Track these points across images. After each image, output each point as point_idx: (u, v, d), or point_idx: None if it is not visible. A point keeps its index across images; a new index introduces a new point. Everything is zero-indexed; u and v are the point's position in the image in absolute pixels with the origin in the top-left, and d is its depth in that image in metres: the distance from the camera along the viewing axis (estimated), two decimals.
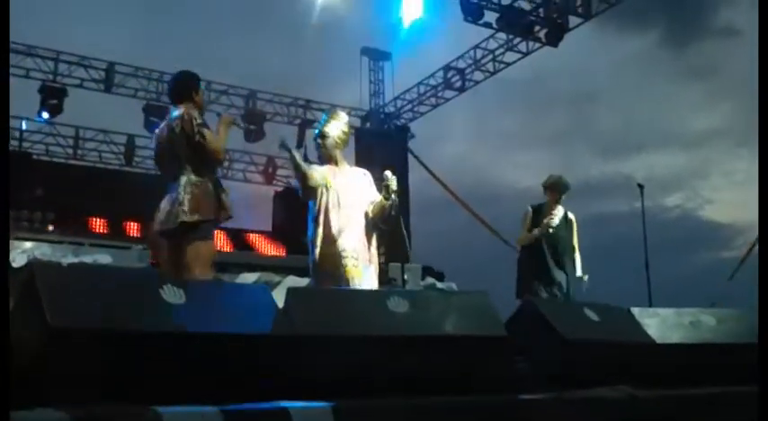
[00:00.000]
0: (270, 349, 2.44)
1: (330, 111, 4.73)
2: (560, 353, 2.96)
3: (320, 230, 4.27)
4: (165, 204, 3.89)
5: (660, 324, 3.55)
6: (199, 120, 3.90)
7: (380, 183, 4.44)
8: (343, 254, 4.22)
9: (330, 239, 4.25)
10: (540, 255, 5.75)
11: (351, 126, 4.73)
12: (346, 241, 4.25)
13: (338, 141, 4.50)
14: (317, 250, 4.25)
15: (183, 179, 3.79)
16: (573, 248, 5.91)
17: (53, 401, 2.01)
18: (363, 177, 4.56)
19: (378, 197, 4.45)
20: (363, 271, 4.26)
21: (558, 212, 5.85)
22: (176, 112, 3.94)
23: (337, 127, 4.51)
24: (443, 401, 2.55)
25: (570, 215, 5.98)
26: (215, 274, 3.84)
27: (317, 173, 4.35)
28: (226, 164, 14.20)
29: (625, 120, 24.07)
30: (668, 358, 3.34)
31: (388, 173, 4.36)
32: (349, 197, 4.34)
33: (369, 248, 4.39)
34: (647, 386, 3.00)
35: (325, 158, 4.47)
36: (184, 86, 4.09)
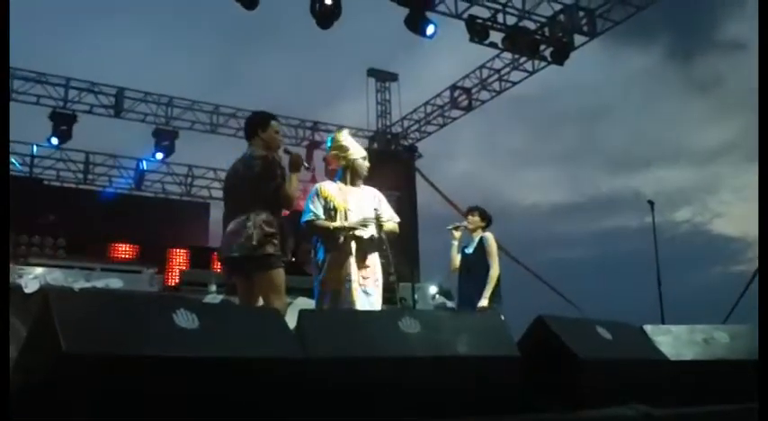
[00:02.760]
0: (282, 372, 2.44)
1: (335, 132, 4.76)
2: (573, 372, 2.95)
3: (331, 253, 4.26)
4: (231, 236, 4.00)
5: (673, 341, 3.53)
6: (279, 162, 4.08)
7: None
8: (348, 277, 4.21)
9: (338, 262, 4.25)
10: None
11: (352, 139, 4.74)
12: (353, 264, 4.24)
13: (352, 160, 4.54)
14: (324, 273, 4.25)
15: (253, 216, 3.89)
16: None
17: None
18: (372, 198, 4.56)
19: (389, 213, 4.52)
20: (368, 294, 4.25)
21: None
22: (256, 152, 4.10)
23: (349, 142, 4.59)
24: None
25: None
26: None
27: (328, 204, 4.38)
28: None
29: (633, 135, 24.08)
30: (682, 375, 3.32)
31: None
32: (359, 218, 4.34)
33: (376, 270, 4.37)
34: (662, 404, 2.98)
35: (342, 178, 4.51)
36: (251, 125, 4.27)
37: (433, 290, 8.77)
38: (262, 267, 3.90)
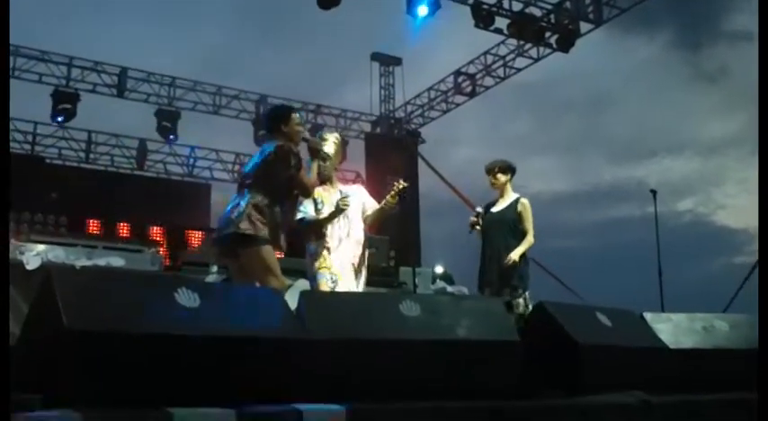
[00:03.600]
0: (283, 352, 2.45)
1: (320, 134, 4.88)
2: (573, 358, 2.95)
3: (321, 240, 4.50)
4: (223, 215, 4.04)
5: (673, 329, 3.54)
6: (295, 153, 4.09)
7: (389, 188, 4.63)
8: (341, 265, 4.47)
9: (328, 250, 4.50)
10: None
11: (341, 140, 4.91)
12: (344, 254, 4.50)
13: (335, 162, 4.72)
14: (317, 257, 4.49)
15: (248, 197, 3.90)
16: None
17: (68, 402, 2.02)
18: (359, 192, 4.80)
19: (374, 205, 4.69)
20: (351, 280, 4.48)
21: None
22: (270, 147, 4.11)
23: (332, 147, 4.66)
24: (455, 405, 2.55)
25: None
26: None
27: (317, 200, 4.59)
28: (236, 168, 14.28)
29: (638, 125, 24.00)
30: (681, 363, 3.33)
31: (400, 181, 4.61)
32: (348, 213, 4.55)
33: (361, 259, 4.60)
34: (660, 391, 2.99)
35: (324, 179, 4.65)
36: (273, 119, 4.31)
37: (439, 269, 8.73)
38: (246, 244, 3.85)
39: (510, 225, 5.27)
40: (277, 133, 4.19)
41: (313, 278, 4.52)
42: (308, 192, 4.30)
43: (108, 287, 2.36)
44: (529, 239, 5.25)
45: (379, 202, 4.70)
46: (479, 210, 5.46)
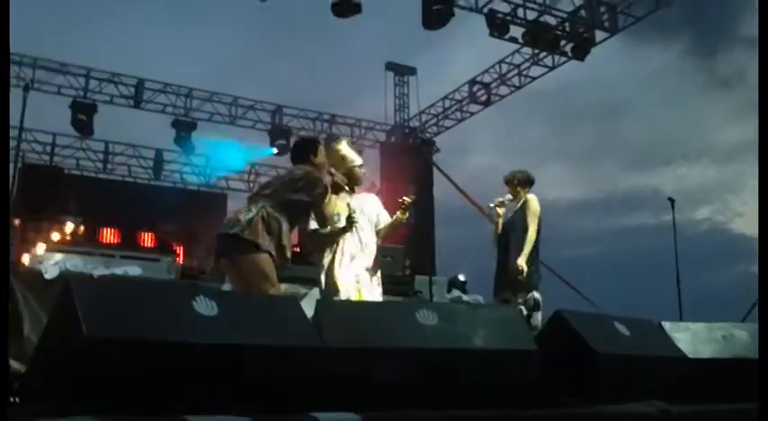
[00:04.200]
0: (299, 360, 2.45)
1: (335, 147, 4.88)
2: (591, 367, 2.93)
3: (333, 254, 4.49)
4: (233, 215, 4.08)
5: (691, 338, 3.51)
6: (324, 182, 4.18)
7: (399, 204, 4.64)
8: (355, 279, 4.45)
9: (342, 264, 4.47)
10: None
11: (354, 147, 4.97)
12: (357, 268, 4.49)
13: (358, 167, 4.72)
14: (329, 271, 4.48)
15: (261, 206, 3.93)
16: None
17: (88, 411, 2.04)
18: (371, 203, 4.78)
19: (387, 218, 4.71)
20: (369, 294, 4.48)
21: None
22: (301, 170, 4.21)
23: (356, 153, 4.76)
24: (472, 415, 2.55)
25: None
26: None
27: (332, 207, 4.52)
28: (252, 178, 14.34)
29: (653, 132, 23.87)
30: (700, 372, 3.30)
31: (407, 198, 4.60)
32: (361, 222, 4.54)
33: (374, 270, 4.60)
34: (679, 401, 2.97)
35: (358, 185, 4.70)
36: (303, 150, 4.40)
37: (461, 277, 8.64)
38: (245, 250, 3.86)
39: (521, 228, 5.28)
40: (307, 162, 4.27)
41: (328, 289, 4.52)
42: (325, 223, 4.36)
43: (126, 295, 2.37)
44: (529, 236, 5.21)
45: (392, 213, 4.72)
46: (502, 200, 5.46)
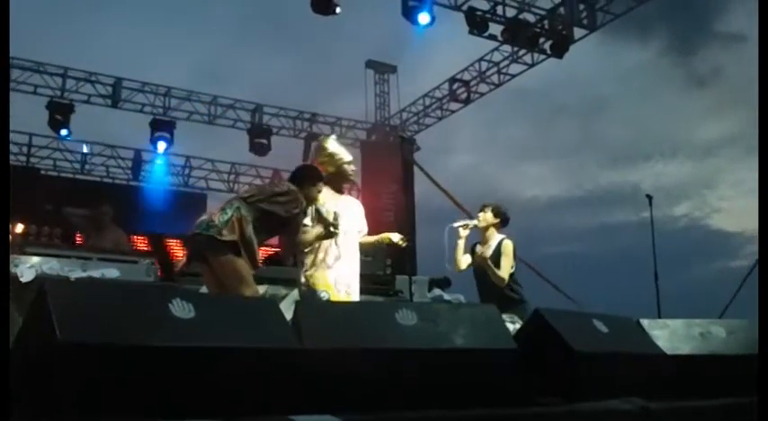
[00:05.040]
0: (279, 363, 2.44)
1: (322, 145, 4.86)
2: (570, 365, 2.94)
3: (315, 254, 4.44)
4: (204, 216, 4.06)
5: (670, 335, 3.53)
6: (305, 207, 4.19)
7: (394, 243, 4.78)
8: (338, 282, 4.43)
9: (325, 265, 4.44)
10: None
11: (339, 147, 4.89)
12: (341, 270, 4.47)
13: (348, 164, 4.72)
14: (310, 271, 4.44)
15: (237, 208, 3.88)
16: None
17: (60, 416, 2.01)
18: (357, 207, 4.78)
19: (365, 229, 4.74)
20: (349, 293, 4.47)
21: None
22: (284, 186, 4.22)
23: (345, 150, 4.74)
24: (452, 415, 2.54)
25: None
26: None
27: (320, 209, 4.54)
28: (232, 177, 14.26)
29: (632, 129, 24.08)
30: (679, 369, 3.32)
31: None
32: (346, 224, 4.51)
33: (355, 273, 4.60)
34: (658, 397, 2.98)
35: (330, 184, 4.65)
36: (304, 176, 4.38)
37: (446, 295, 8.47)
38: (221, 252, 3.82)
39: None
40: (299, 187, 4.24)
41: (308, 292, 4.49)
42: (293, 248, 4.39)
43: (101, 299, 2.34)
44: (497, 281, 5.14)
45: (373, 215, 4.76)
46: (469, 223, 5.40)
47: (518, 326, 4.89)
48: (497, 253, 5.29)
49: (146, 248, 8.02)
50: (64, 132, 11.87)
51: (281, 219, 4.06)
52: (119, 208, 10.98)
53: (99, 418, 2.06)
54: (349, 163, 4.72)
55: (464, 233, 5.36)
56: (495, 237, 5.38)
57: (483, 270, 5.28)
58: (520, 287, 5.35)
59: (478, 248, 5.41)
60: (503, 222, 5.44)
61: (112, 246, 6.37)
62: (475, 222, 5.43)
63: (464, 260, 5.42)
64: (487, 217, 5.40)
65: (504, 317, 4.95)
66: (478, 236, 5.48)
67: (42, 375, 2.16)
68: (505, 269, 5.21)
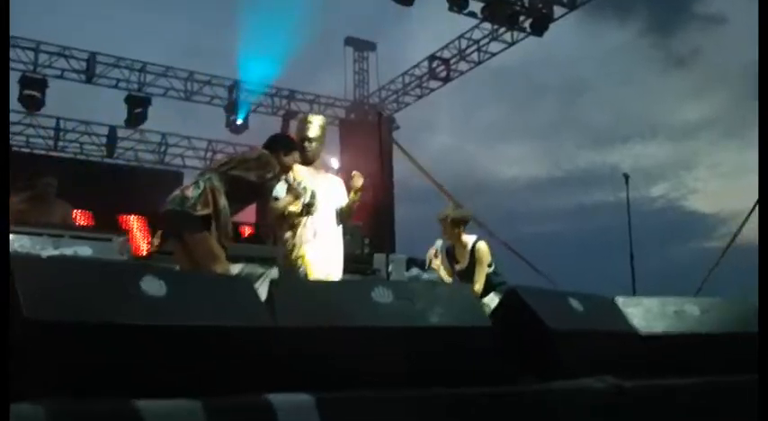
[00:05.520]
0: (252, 341, 2.41)
1: (304, 116, 4.96)
2: (545, 344, 2.95)
3: (294, 231, 4.47)
4: (177, 191, 4.00)
5: (644, 313, 3.54)
6: (277, 170, 4.15)
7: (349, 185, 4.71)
8: (316, 259, 4.44)
9: (303, 242, 4.45)
10: None
11: (326, 123, 5.03)
12: (320, 248, 4.48)
13: (320, 144, 4.75)
14: (289, 248, 4.46)
15: (208, 180, 3.84)
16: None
17: (29, 396, 1.97)
18: (338, 185, 4.80)
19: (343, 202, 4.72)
20: (327, 272, 4.47)
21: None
22: (255, 152, 4.18)
23: (318, 131, 4.73)
24: (428, 393, 2.53)
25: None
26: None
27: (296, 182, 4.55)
28: (209, 155, 14.12)
29: (612, 110, 24.18)
30: (653, 348, 3.34)
31: (356, 173, 4.64)
32: (324, 202, 4.55)
33: (337, 249, 4.64)
34: (633, 376, 3.00)
35: (308, 161, 4.67)
36: (277, 143, 4.35)
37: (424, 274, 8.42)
38: (194, 228, 3.77)
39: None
40: (273, 155, 4.19)
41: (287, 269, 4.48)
42: (270, 216, 4.44)
43: (70, 276, 2.29)
44: (477, 287, 5.10)
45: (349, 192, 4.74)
46: (435, 249, 5.40)
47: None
48: (472, 258, 5.30)
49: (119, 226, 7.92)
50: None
51: (253, 186, 4.01)
52: (92, 185, 10.87)
53: (69, 398, 2.02)
54: (310, 140, 4.69)
55: (437, 262, 5.40)
56: (468, 241, 5.40)
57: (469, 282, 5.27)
58: (500, 275, 5.39)
59: (458, 266, 5.40)
60: (464, 225, 5.45)
61: (60, 221, 6.08)
62: (439, 243, 5.45)
63: (447, 274, 5.47)
64: (450, 232, 5.39)
65: (493, 296, 5.03)
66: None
67: (11, 355, 2.12)
68: (480, 279, 5.20)
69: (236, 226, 8.48)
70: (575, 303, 3.25)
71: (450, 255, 5.46)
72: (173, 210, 3.84)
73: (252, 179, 3.98)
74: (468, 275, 5.29)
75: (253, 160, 4.02)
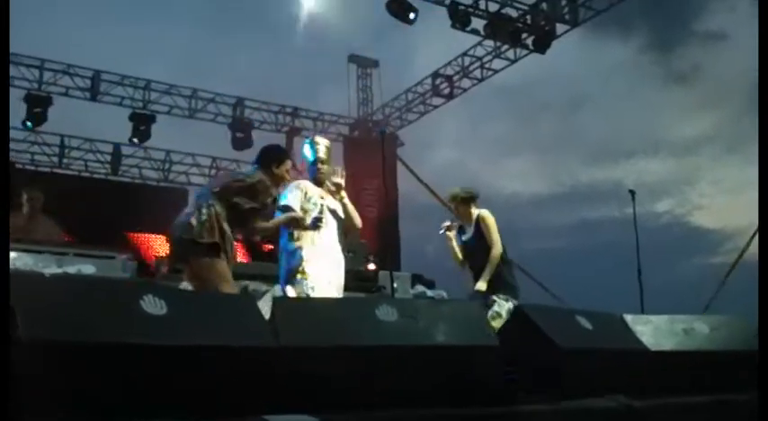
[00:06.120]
0: (254, 360, 2.36)
1: (311, 138, 5.01)
2: (553, 363, 2.89)
3: (302, 247, 4.46)
4: (182, 218, 4.04)
5: (654, 331, 3.50)
6: (273, 196, 4.22)
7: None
8: (319, 275, 4.43)
9: (309, 257, 4.44)
10: None
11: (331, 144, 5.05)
12: (323, 263, 4.48)
13: (329, 166, 4.82)
14: (297, 269, 4.43)
15: (213, 207, 3.92)
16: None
17: (27, 416, 1.93)
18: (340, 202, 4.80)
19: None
20: (331, 289, 4.46)
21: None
22: (255, 173, 4.19)
23: (326, 152, 4.83)
24: (434, 413, 2.48)
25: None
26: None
27: (307, 198, 4.62)
28: (213, 172, 14.12)
29: (614, 126, 24.14)
30: (663, 366, 3.28)
31: (338, 168, 4.82)
32: (331, 219, 4.61)
33: (339, 267, 4.62)
34: (642, 394, 2.94)
35: (320, 182, 4.75)
36: (268, 156, 4.37)
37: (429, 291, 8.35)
38: (201, 255, 3.86)
39: (484, 247, 5.20)
40: (266, 170, 4.24)
41: (290, 284, 4.44)
42: (253, 234, 4.62)
43: (70, 295, 2.25)
44: (493, 254, 5.12)
45: (356, 210, 4.80)
46: (450, 223, 5.39)
47: (511, 304, 4.91)
48: (477, 228, 5.29)
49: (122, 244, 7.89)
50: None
51: (253, 210, 4.06)
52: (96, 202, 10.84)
53: (63, 418, 1.98)
54: (323, 162, 4.78)
55: (450, 233, 5.38)
56: (473, 217, 5.38)
57: (473, 252, 5.27)
58: (511, 270, 5.35)
59: (464, 237, 5.40)
60: (474, 202, 5.43)
61: (44, 237, 5.96)
62: (454, 223, 5.43)
63: (460, 254, 5.42)
64: (461, 209, 5.40)
65: (501, 296, 4.98)
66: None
67: (10, 374, 2.08)
68: (497, 241, 5.18)
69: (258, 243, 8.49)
70: (583, 321, 3.20)
71: (462, 233, 5.45)
72: (179, 238, 3.90)
73: (253, 206, 4.04)
74: (475, 249, 5.25)
75: (252, 188, 4.06)
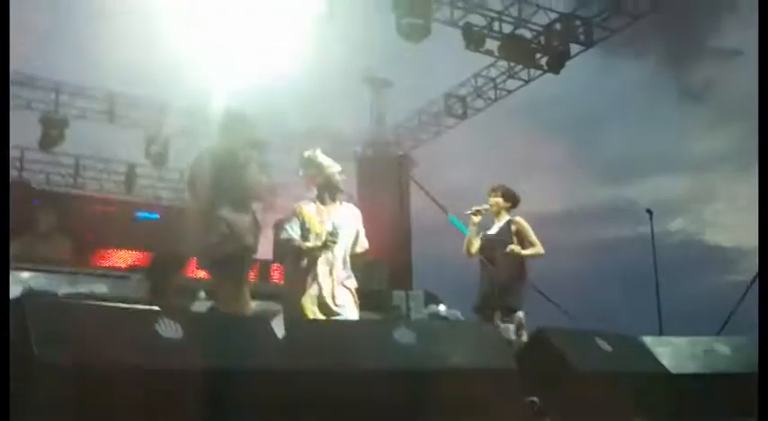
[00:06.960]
0: (270, 383, 2.33)
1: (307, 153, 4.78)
2: (573, 385, 2.85)
3: (309, 268, 4.32)
4: (226, 231, 4.00)
5: (674, 353, 3.44)
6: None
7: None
8: (327, 295, 4.26)
9: (314, 275, 4.30)
10: None
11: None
12: (329, 283, 4.32)
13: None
14: (303, 289, 4.29)
15: (247, 215, 3.98)
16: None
17: None
18: (353, 216, 4.62)
19: (364, 242, 4.56)
20: (344, 310, 4.29)
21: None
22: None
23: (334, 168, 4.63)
24: None
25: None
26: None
27: (305, 226, 4.43)
28: None
29: (627, 145, 24.05)
30: (684, 388, 3.23)
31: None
32: (339, 235, 4.39)
33: (352, 286, 4.44)
34: (663, 417, 2.89)
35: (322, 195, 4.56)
36: None
37: (442, 308, 8.25)
38: (220, 274, 3.85)
39: (505, 246, 5.19)
40: None
41: (298, 305, 4.37)
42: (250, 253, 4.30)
43: (85, 318, 2.24)
44: (538, 251, 5.21)
45: (371, 226, 4.60)
46: (482, 208, 5.36)
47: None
48: (506, 232, 5.26)
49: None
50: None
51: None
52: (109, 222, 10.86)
53: None
54: (340, 173, 4.64)
55: (477, 219, 5.36)
56: (503, 218, 5.37)
57: (493, 256, 5.22)
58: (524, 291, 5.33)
59: (489, 232, 5.38)
60: (513, 204, 5.44)
61: (57, 256, 5.96)
62: (486, 207, 5.40)
63: (475, 244, 5.37)
64: (498, 201, 5.38)
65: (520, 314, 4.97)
66: (488, 221, 5.44)
67: (24, 395, 2.06)
68: (537, 242, 5.24)
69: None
70: (602, 344, 3.15)
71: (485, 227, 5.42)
72: (234, 254, 3.89)
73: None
74: (494, 245, 5.22)
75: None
